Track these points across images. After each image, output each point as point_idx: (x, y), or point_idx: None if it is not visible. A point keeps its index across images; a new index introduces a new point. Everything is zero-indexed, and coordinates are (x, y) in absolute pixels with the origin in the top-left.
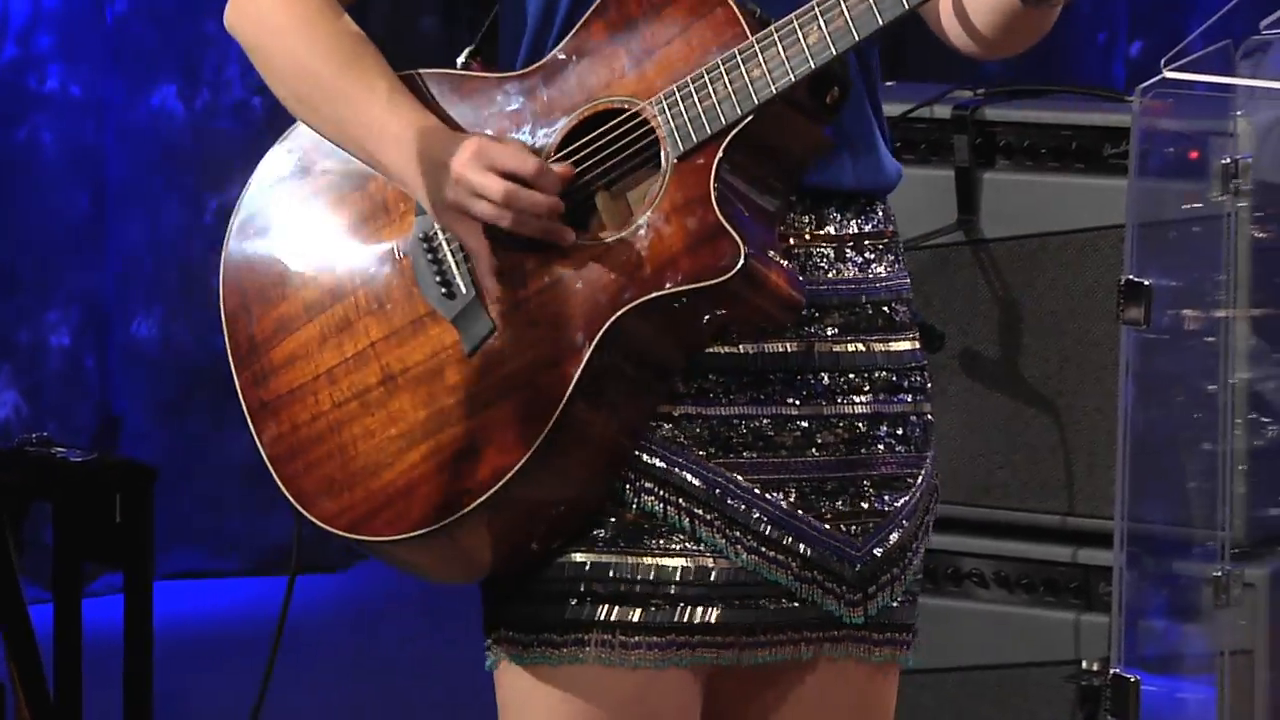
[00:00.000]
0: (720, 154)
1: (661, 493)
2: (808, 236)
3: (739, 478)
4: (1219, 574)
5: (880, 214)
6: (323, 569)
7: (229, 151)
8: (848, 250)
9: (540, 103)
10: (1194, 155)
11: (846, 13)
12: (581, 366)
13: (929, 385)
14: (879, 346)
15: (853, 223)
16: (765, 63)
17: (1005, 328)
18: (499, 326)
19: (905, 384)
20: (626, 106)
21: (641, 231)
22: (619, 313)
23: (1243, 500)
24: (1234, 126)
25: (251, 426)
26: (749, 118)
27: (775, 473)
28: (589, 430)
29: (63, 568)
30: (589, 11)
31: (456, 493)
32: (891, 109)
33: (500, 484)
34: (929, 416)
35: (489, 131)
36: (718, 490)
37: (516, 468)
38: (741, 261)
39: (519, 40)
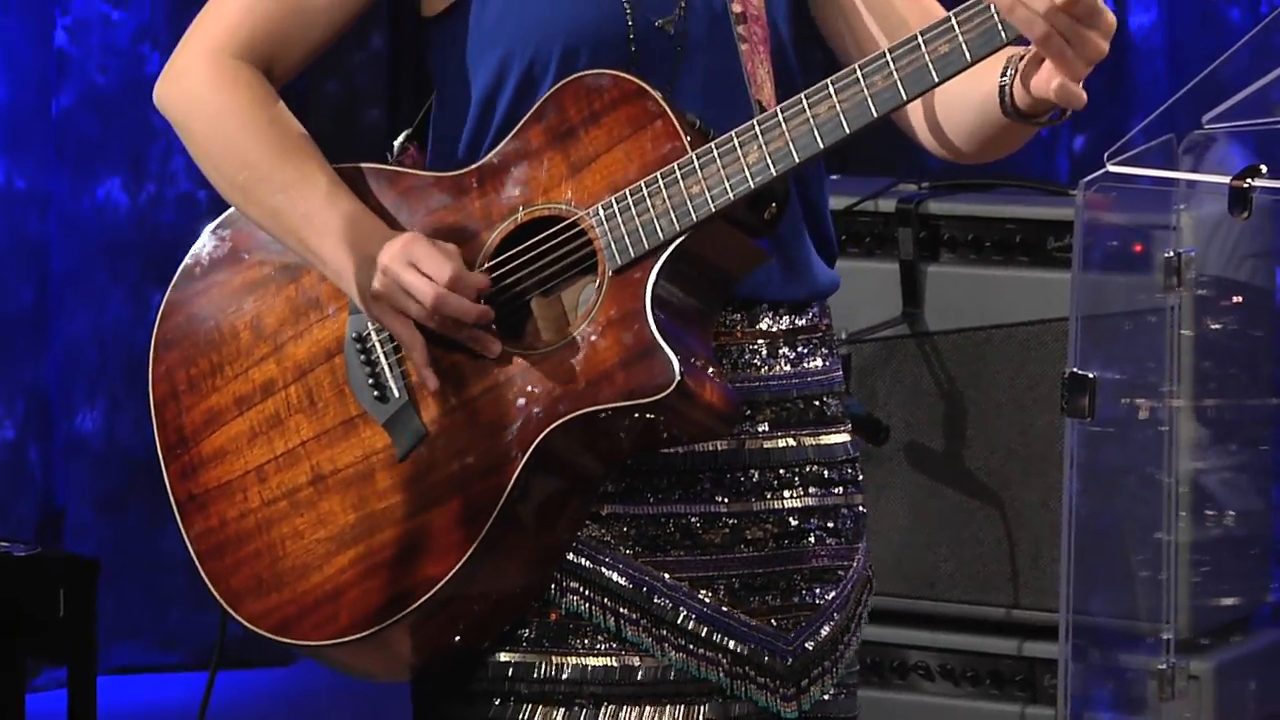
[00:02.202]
0: (656, 270)
1: (587, 592)
2: (739, 334)
3: (666, 576)
4: (1164, 667)
5: (815, 309)
6: (268, 663)
7: (174, 244)
8: (780, 346)
9: (478, 204)
10: (1138, 248)
11: (787, 134)
12: (514, 477)
13: (860, 477)
14: (810, 440)
15: (785, 318)
16: (704, 179)
17: (950, 420)
18: (431, 432)
19: (836, 476)
20: (564, 215)
21: (577, 343)
22: (554, 424)
23: (1187, 592)
24: (1177, 220)
25: (179, 519)
26: (686, 234)
27: (703, 570)
28: (521, 539)
29: (5, 662)
30: (527, 115)
31: (385, 600)
32: (836, 203)
33: (430, 594)
34: (860, 508)
35: (424, 231)
36: (644, 589)
37: (447, 578)
38: (676, 380)
39: (456, 135)
